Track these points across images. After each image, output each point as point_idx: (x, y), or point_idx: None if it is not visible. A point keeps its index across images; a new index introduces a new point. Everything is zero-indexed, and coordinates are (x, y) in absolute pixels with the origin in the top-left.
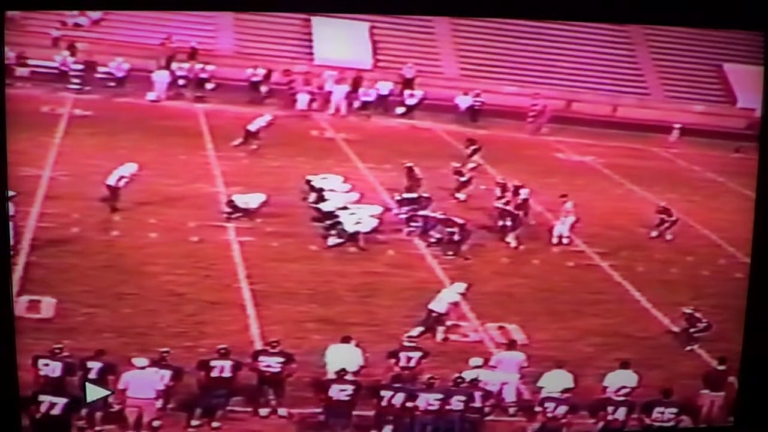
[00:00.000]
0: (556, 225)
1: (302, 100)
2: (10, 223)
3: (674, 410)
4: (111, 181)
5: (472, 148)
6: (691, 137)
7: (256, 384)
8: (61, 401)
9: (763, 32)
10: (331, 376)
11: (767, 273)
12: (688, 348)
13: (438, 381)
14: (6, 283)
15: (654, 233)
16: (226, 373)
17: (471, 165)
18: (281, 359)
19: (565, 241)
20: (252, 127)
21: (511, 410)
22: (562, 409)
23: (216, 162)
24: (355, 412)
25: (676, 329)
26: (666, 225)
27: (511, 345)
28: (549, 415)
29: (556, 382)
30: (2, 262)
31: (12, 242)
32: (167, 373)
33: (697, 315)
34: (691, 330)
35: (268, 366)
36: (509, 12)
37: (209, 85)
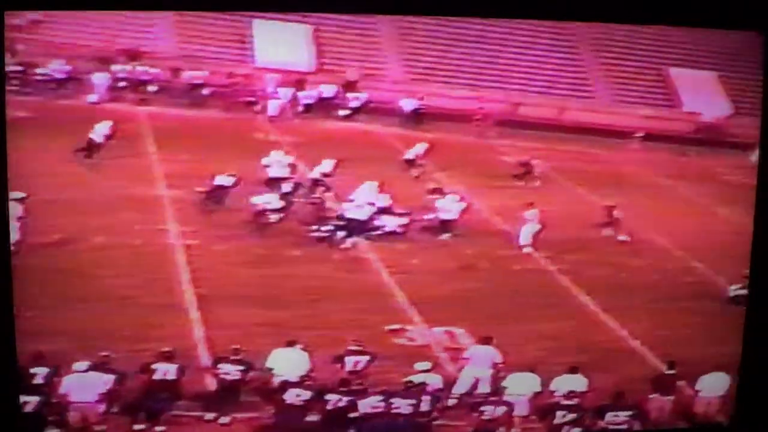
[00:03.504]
0: (521, 231)
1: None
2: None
3: (628, 413)
4: None
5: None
6: (640, 142)
7: (215, 390)
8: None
9: (763, 33)
10: (291, 379)
11: (767, 273)
12: None
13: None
14: (6, 283)
15: (607, 231)
16: (170, 376)
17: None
18: (241, 367)
19: (527, 250)
20: None
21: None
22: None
23: (159, 165)
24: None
25: (624, 333)
26: (615, 224)
27: (487, 340)
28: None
29: (521, 384)
30: (2, 261)
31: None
32: (110, 377)
33: None
34: None
35: (227, 373)
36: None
37: (151, 87)
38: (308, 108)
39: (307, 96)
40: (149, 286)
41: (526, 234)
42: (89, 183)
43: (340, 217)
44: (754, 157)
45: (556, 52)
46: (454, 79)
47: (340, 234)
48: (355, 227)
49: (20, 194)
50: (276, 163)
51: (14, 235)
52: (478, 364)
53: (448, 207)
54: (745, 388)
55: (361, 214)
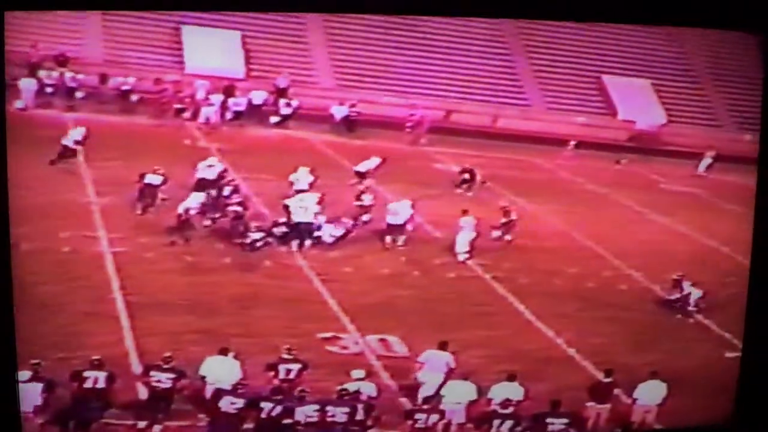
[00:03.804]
0: (457, 238)
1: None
2: None
3: (565, 421)
4: None
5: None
6: (575, 149)
7: (146, 398)
8: None
9: (763, 34)
10: (224, 387)
11: (767, 275)
12: None
13: (318, 393)
14: (6, 283)
15: (495, 233)
16: (100, 384)
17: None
18: (172, 375)
19: (463, 257)
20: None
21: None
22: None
23: (87, 171)
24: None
25: (560, 341)
26: (508, 225)
27: (442, 345)
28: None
29: (457, 392)
30: (2, 262)
31: None
32: (39, 385)
33: None
34: None
35: (159, 381)
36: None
37: (79, 94)
38: (238, 115)
39: (236, 103)
40: (78, 294)
41: (462, 241)
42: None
43: (288, 224)
44: (702, 166)
45: (490, 59)
46: (386, 86)
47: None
48: (303, 230)
49: None
50: (206, 169)
51: None
52: (432, 368)
53: (399, 211)
54: (745, 389)
55: (307, 217)
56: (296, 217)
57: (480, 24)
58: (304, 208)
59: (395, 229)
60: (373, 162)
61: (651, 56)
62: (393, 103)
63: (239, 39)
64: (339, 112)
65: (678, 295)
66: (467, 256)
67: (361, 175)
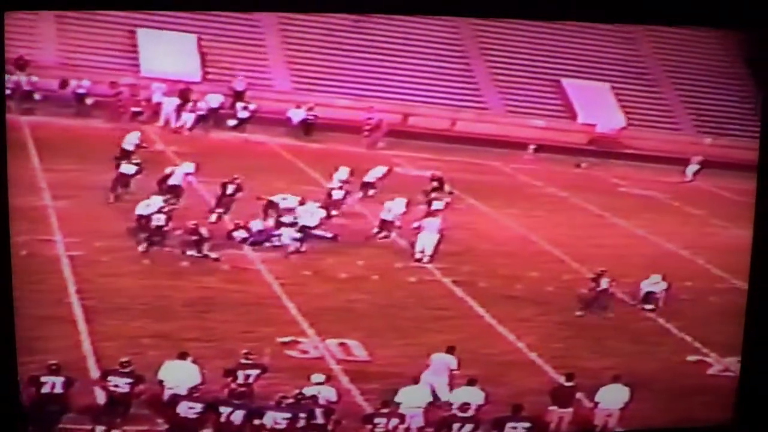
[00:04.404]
0: (418, 240)
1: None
2: None
3: (526, 425)
4: None
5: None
6: (534, 153)
7: (104, 403)
8: None
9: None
10: (181, 392)
11: (766, 275)
12: None
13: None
14: (6, 283)
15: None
16: (58, 390)
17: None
18: (130, 380)
19: (426, 259)
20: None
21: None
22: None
23: (42, 175)
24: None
25: (521, 345)
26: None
27: (450, 350)
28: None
29: (413, 397)
30: (2, 262)
31: None
32: None
33: None
34: None
35: (117, 386)
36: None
37: (36, 96)
38: (201, 118)
39: (193, 106)
40: (35, 298)
41: (426, 243)
42: None
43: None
44: (689, 172)
45: (447, 62)
46: (343, 89)
47: (293, 240)
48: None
49: None
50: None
51: None
52: (436, 371)
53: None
54: (745, 389)
55: (312, 221)
56: (302, 221)
57: (437, 26)
58: (309, 213)
59: (387, 225)
60: (380, 171)
61: (610, 59)
62: (350, 106)
63: (195, 42)
64: (296, 115)
65: (593, 288)
66: (429, 258)
67: (368, 186)
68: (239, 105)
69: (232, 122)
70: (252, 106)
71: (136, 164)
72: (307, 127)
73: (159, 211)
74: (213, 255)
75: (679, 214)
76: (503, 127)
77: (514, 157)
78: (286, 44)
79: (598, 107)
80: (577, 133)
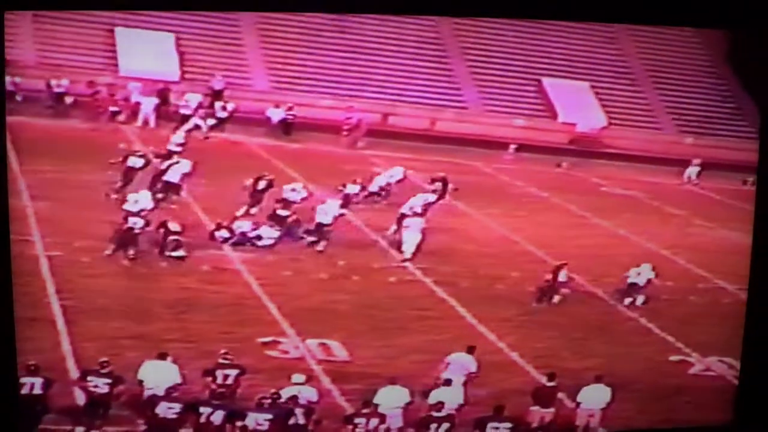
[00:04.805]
0: (403, 239)
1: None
2: None
3: (508, 425)
4: None
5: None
6: (515, 152)
7: (84, 404)
8: None
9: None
10: (159, 393)
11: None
12: None
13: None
14: (6, 283)
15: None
16: (37, 390)
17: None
18: (109, 380)
19: (407, 256)
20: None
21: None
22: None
23: (21, 177)
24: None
25: (502, 345)
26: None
27: (470, 350)
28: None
29: (391, 398)
30: (2, 263)
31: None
32: None
33: None
34: None
35: (96, 386)
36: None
37: (18, 98)
38: (175, 117)
39: (172, 105)
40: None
41: (408, 242)
42: None
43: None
44: (691, 174)
45: (426, 61)
46: (322, 88)
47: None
48: (324, 232)
49: None
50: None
51: None
52: (455, 371)
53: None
54: (745, 389)
55: (327, 219)
56: (318, 219)
57: (417, 26)
58: (324, 212)
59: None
60: (398, 172)
61: (590, 58)
62: (330, 105)
63: (173, 41)
64: (275, 115)
65: (549, 280)
66: (410, 257)
67: (383, 190)
68: (218, 105)
69: (211, 122)
70: (230, 106)
71: (143, 157)
72: (286, 127)
73: (137, 214)
74: (176, 254)
75: (660, 213)
76: (483, 126)
77: (495, 157)
78: (264, 43)
79: (579, 106)
80: (558, 133)
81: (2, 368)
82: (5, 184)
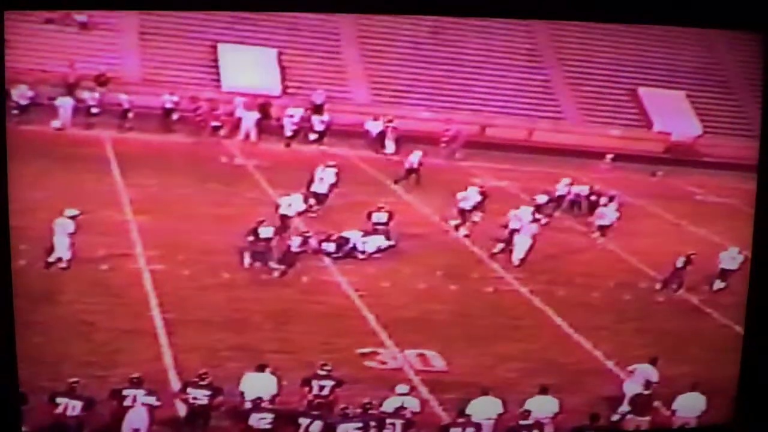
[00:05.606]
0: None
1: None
2: None
3: None
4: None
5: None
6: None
7: (185, 415)
8: None
9: (762, 33)
10: (248, 405)
11: (766, 277)
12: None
13: (359, 409)
14: (6, 284)
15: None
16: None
17: None
18: (208, 392)
19: (516, 262)
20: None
21: None
22: None
23: (124, 189)
24: None
25: (598, 353)
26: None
27: (653, 361)
28: None
29: (483, 408)
30: (2, 264)
31: None
32: (78, 404)
33: None
34: None
35: (195, 398)
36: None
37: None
38: (277, 131)
39: (274, 119)
40: (117, 311)
41: (519, 247)
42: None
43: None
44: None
45: (524, 72)
46: (420, 101)
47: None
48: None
49: None
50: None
51: None
52: (635, 379)
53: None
54: (745, 389)
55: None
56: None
57: (514, 37)
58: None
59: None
60: (474, 195)
61: (685, 67)
62: (428, 118)
63: (275, 56)
64: (374, 127)
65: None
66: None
67: (465, 214)
68: (316, 118)
69: (312, 136)
70: (326, 118)
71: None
72: (385, 139)
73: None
74: (276, 266)
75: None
76: (580, 136)
77: (592, 166)
78: (364, 56)
79: (674, 115)
80: (653, 142)
81: (2, 370)
82: (5, 188)
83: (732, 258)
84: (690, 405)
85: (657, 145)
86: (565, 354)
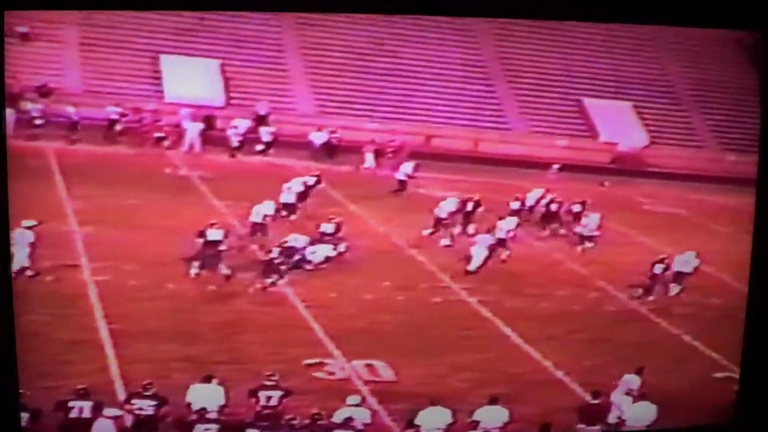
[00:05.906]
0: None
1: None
2: None
3: None
4: None
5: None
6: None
7: (131, 426)
8: None
9: (762, 32)
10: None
11: (766, 279)
12: None
13: (307, 420)
14: (6, 284)
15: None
16: (86, 414)
17: None
18: (153, 402)
19: (472, 269)
20: None
21: None
22: None
23: (68, 201)
24: None
25: (548, 363)
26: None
27: (639, 371)
28: None
29: (432, 419)
30: (2, 265)
31: None
32: (25, 416)
33: None
34: None
35: (141, 409)
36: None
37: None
38: (219, 142)
39: (217, 130)
40: (64, 323)
41: (476, 257)
42: None
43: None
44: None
45: (469, 83)
46: (365, 111)
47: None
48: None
49: None
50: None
51: None
52: (622, 390)
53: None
54: (745, 389)
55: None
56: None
57: (460, 48)
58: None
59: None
60: (451, 204)
61: (632, 78)
62: (373, 128)
63: (218, 67)
64: (318, 138)
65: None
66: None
67: (440, 222)
68: (263, 129)
69: (258, 147)
70: (272, 130)
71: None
72: (330, 150)
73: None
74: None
75: (705, 231)
76: (526, 147)
77: (539, 176)
78: (308, 67)
79: (620, 126)
80: (600, 152)
81: (3, 376)
82: (6, 192)
83: (686, 261)
84: (640, 414)
85: (604, 156)
86: (515, 364)
